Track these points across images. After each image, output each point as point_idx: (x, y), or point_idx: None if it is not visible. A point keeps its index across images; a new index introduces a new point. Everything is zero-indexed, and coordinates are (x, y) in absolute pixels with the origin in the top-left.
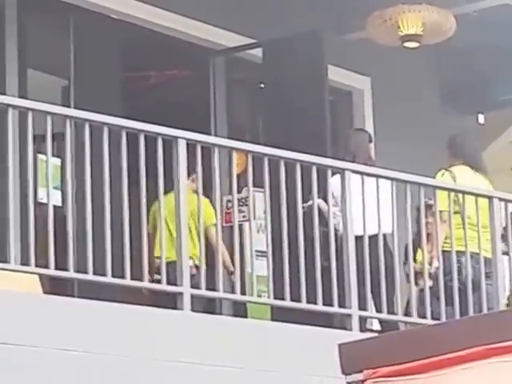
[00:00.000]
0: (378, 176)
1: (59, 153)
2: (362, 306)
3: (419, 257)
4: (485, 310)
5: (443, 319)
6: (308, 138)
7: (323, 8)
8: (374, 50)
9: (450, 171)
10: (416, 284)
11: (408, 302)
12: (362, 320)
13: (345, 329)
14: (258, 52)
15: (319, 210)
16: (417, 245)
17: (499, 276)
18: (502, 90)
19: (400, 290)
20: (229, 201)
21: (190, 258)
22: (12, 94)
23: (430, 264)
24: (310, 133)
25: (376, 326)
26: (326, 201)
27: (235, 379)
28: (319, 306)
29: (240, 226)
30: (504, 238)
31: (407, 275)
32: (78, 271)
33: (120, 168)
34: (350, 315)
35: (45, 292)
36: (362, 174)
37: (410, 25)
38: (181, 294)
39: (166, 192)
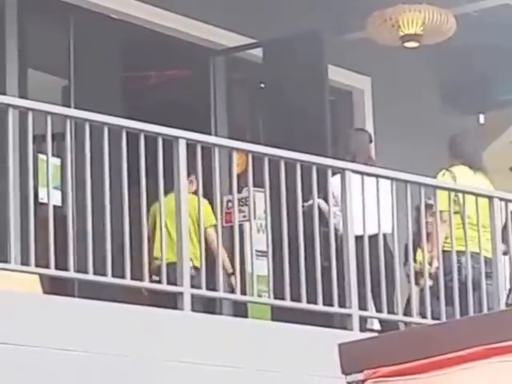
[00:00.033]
0: (378, 176)
1: (59, 153)
2: (362, 306)
3: (419, 257)
4: (485, 310)
5: (443, 319)
6: (308, 138)
7: (323, 8)
8: (374, 49)
9: (450, 171)
10: (416, 284)
11: (408, 302)
12: (362, 320)
13: (345, 329)
14: (258, 52)
15: (319, 209)
16: (417, 245)
17: (499, 276)
18: (502, 90)
19: (400, 289)
20: (229, 201)
21: (190, 259)
22: (12, 94)
23: (430, 264)
24: (311, 133)
25: (376, 325)
26: (326, 201)
27: (235, 379)
28: (319, 306)
29: (240, 226)
30: (503, 237)
31: (408, 276)
32: (78, 271)
33: (120, 168)
34: (350, 315)
35: (45, 292)
36: (362, 173)
37: (410, 25)
38: (181, 293)
39: (165, 193)
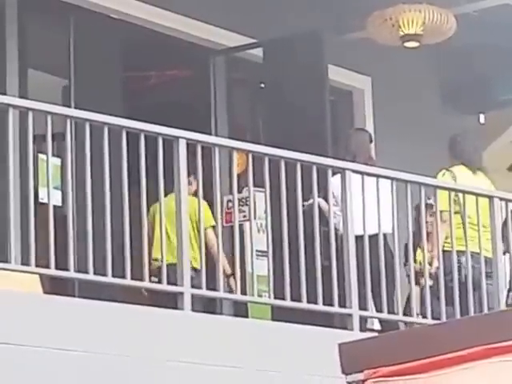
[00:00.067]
0: (378, 176)
1: (59, 153)
2: (363, 306)
3: (419, 257)
4: (485, 310)
5: (444, 319)
6: (308, 138)
7: (323, 8)
8: (374, 49)
9: (450, 171)
10: (417, 284)
11: (408, 302)
12: (363, 320)
13: (345, 328)
14: (258, 52)
15: (319, 208)
16: (417, 245)
17: (500, 276)
18: (502, 90)
19: (400, 289)
20: (229, 201)
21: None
22: (12, 94)
23: (431, 264)
24: (311, 133)
25: (376, 325)
26: (326, 200)
27: (235, 379)
28: (320, 306)
29: (240, 226)
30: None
31: (408, 276)
32: (78, 271)
33: (120, 168)
34: (350, 315)
35: (45, 292)
36: (362, 173)
37: (410, 24)
38: (181, 293)
39: (165, 194)
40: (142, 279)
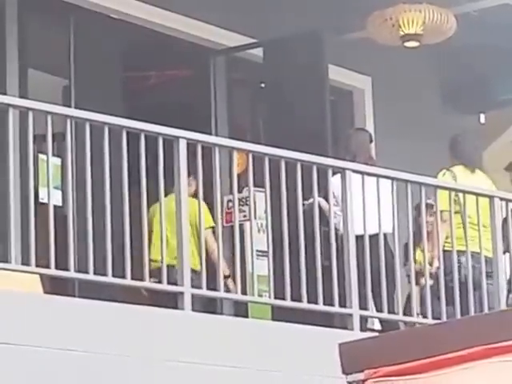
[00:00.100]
0: (378, 175)
1: (60, 153)
2: (363, 306)
3: (419, 257)
4: (486, 310)
5: (444, 319)
6: (309, 138)
7: (323, 8)
8: (374, 49)
9: (450, 171)
10: (417, 284)
11: (408, 302)
12: (363, 319)
13: (345, 328)
14: (258, 52)
15: (320, 208)
16: (417, 244)
17: (500, 275)
18: (502, 90)
19: (400, 289)
20: (229, 200)
21: None
22: (12, 94)
23: (431, 264)
24: (311, 132)
25: (377, 325)
26: (326, 200)
27: (235, 379)
28: (320, 306)
29: (241, 226)
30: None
31: (408, 276)
32: (78, 271)
33: (120, 168)
34: (350, 315)
35: (45, 292)
36: (362, 173)
37: (410, 24)
38: (181, 293)
39: (164, 194)
40: (142, 279)
